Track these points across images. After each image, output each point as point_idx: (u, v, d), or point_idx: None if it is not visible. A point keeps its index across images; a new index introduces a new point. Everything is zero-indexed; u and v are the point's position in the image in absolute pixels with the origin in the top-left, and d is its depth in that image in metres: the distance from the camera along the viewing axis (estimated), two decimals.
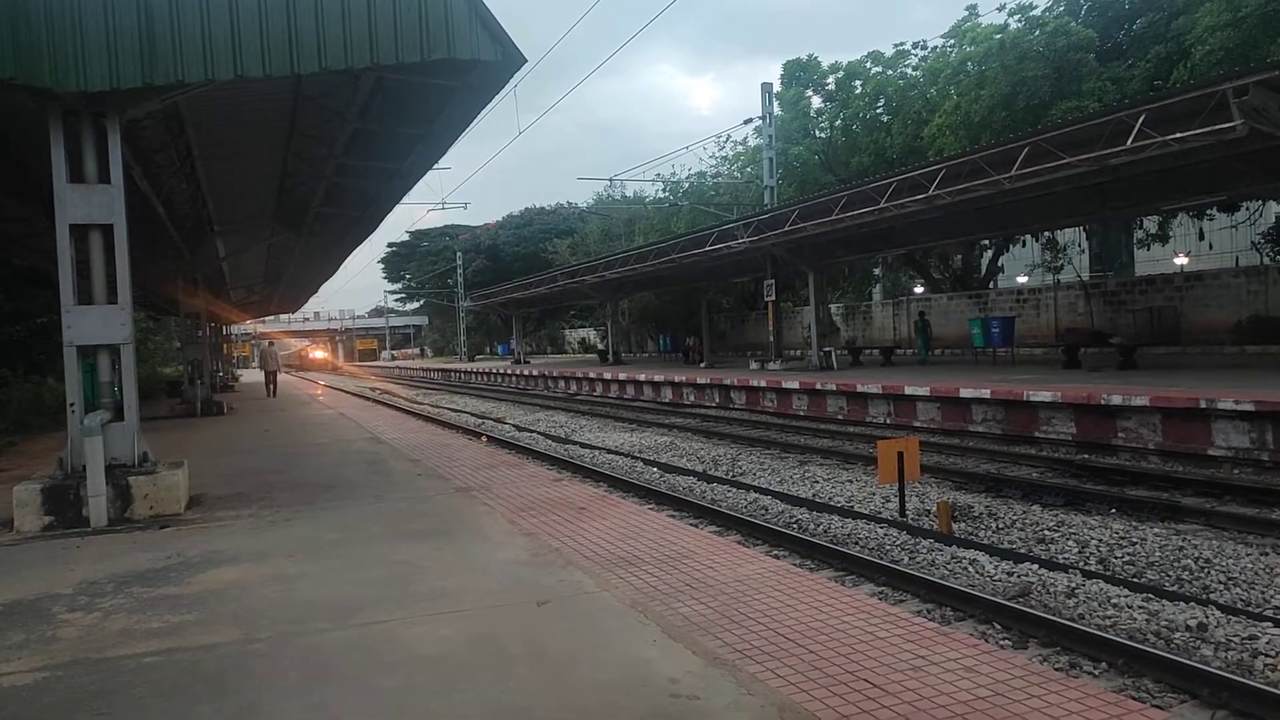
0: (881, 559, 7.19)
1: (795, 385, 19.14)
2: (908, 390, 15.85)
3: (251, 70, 6.78)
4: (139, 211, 12.00)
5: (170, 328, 38.66)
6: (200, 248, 18.48)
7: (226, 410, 19.72)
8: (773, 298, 25.15)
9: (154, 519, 7.11)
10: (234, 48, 6.68)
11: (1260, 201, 23.67)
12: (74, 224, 7.11)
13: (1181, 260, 32.21)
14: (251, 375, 49.04)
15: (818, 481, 11.02)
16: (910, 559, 7.34)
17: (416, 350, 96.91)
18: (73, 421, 7.09)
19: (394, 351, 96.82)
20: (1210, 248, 30.12)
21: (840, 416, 17.63)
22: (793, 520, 8.96)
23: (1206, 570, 6.66)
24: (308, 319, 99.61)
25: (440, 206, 50.01)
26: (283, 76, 7.21)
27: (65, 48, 6.44)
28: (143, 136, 10.14)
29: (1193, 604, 5.75)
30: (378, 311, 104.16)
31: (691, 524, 8.27)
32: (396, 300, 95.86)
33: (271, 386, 28.55)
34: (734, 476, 11.68)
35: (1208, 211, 23.87)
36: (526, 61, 7.59)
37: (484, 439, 16.51)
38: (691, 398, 23.74)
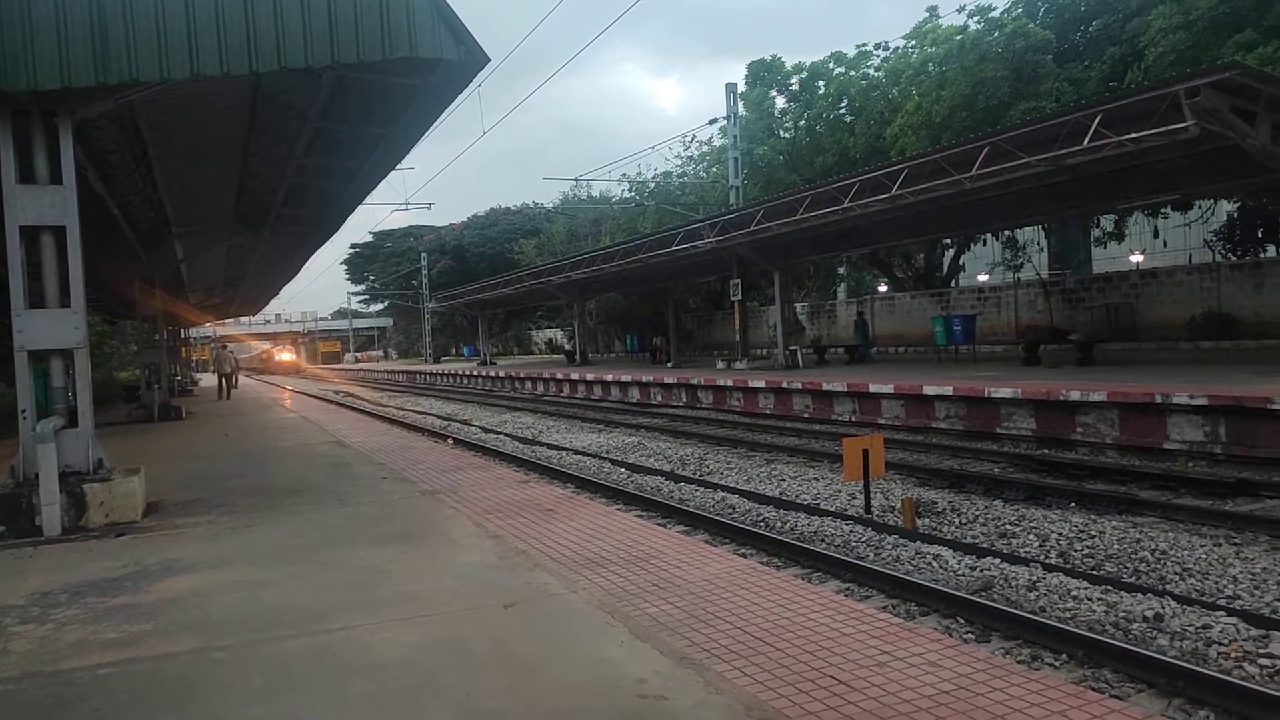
0: (847, 556, 7.25)
1: (761, 384, 19.25)
2: (872, 388, 16.01)
3: (208, 69, 6.65)
4: (93, 213, 11.75)
5: (127, 331, 37.92)
6: (157, 250, 18.12)
7: (185, 415, 19.37)
8: (739, 297, 25.27)
9: (110, 527, 6.96)
10: (190, 46, 6.55)
11: (1212, 200, 24.23)
12: (24, 225, 6.93)
13: (1137, 258, 32.90)
14: (212, 379, 48.22)
15: (784, 479, 11.08)
16: (876, 555, 7.41)
17: (380, 352, 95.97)
18: (24, 428, 6.91)
19: (358, 354, 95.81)
20: (1165, 245, 30.83)
21: (806, 415, 17.75)
22: (760, 519, 9.00)
23: (1163, 562, 6.80)
24: (269, 321, 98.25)
25: (404, 207, 49.44)
26: (241, 75, 7.09)
27: (14, 45, 6.28)
28: (96, 136, 9.91)
29: (1150, 595, 5.87)
30: (341, 313, 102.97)
31: (659, 524, 8.28)
32: (360, 302, 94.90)
33: (224, 389, 28.34)
34: (701, 476, 11.71)
35: (1162, 210, 24.40)
36: (490, 61, 7.54)
37: (450, 441, 16.39)
38: (659, 398, 23.77)
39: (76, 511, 6.98)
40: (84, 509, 7.01)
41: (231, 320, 68.48)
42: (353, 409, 24.90)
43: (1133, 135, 11.85)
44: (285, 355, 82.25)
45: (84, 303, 7.28)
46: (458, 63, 7.38)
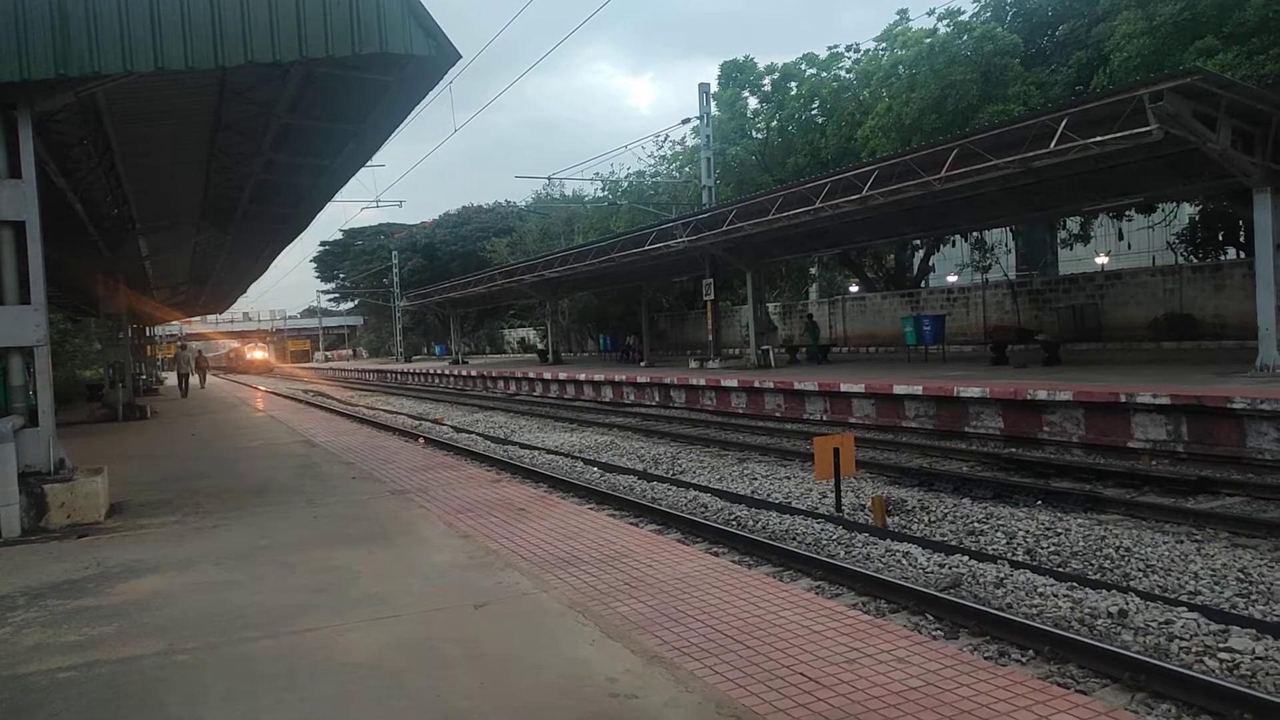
0: (818, 554, 7.28)
1: (734, 383, 19.30)
2: (843, 388, 16.12)
3: (173, 62, 6.54)
4: (54, 208, 11.53)
5: (90, 329, 37.29)
6: (121, 246, 17.81)
7: (150, 414, 19.07)
8: (711, 297, 25.35)
9: (71, 528, 6.82)
10: (154, 38, 6.44)
11: (1175, 203, 24.69)
12: None
13: (1102, 260, 33.44)
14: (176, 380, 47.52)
15: (756, 478, 11.13)
16: (846, 553, 7.46)
17: (349, 351, 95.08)
18: None
19: (329, 353, 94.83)
20: (1129, 248, 31.37)
21: (778, 414, 17.83)
22: (732, 517, 9.03)
23: (1126, 559, 6.91)
24: (236, 319, 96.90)
25: (375, 205, 49.05)
26: (206, 69, 6.98)
27: None
28: (57, 130, 9.72)
29: (1114, 591, 5.96)
30: (310, 312, 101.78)
31: (631, 523, 8.28)
32: (330, 300, 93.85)
33: (184, 387, 30.37)
34: (674, 475, 11.72)
35: (1126, 213, 24.83)
36: (461, 57, 7.50)
37: (421, 440, 16.27)
38: (632, 397, 23.76)
39: (36, 512, 6.84)
40: (44, 510, 6.87)
41: (198, 318, 67.45)
42: (322, 408, 24.63)
43: (1098, 138, 12.04)
44: (258, 353, 75.59)
45: (45, 300, 7.14)
46: (429, 59, 7.33)
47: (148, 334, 41.17)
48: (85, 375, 33.51)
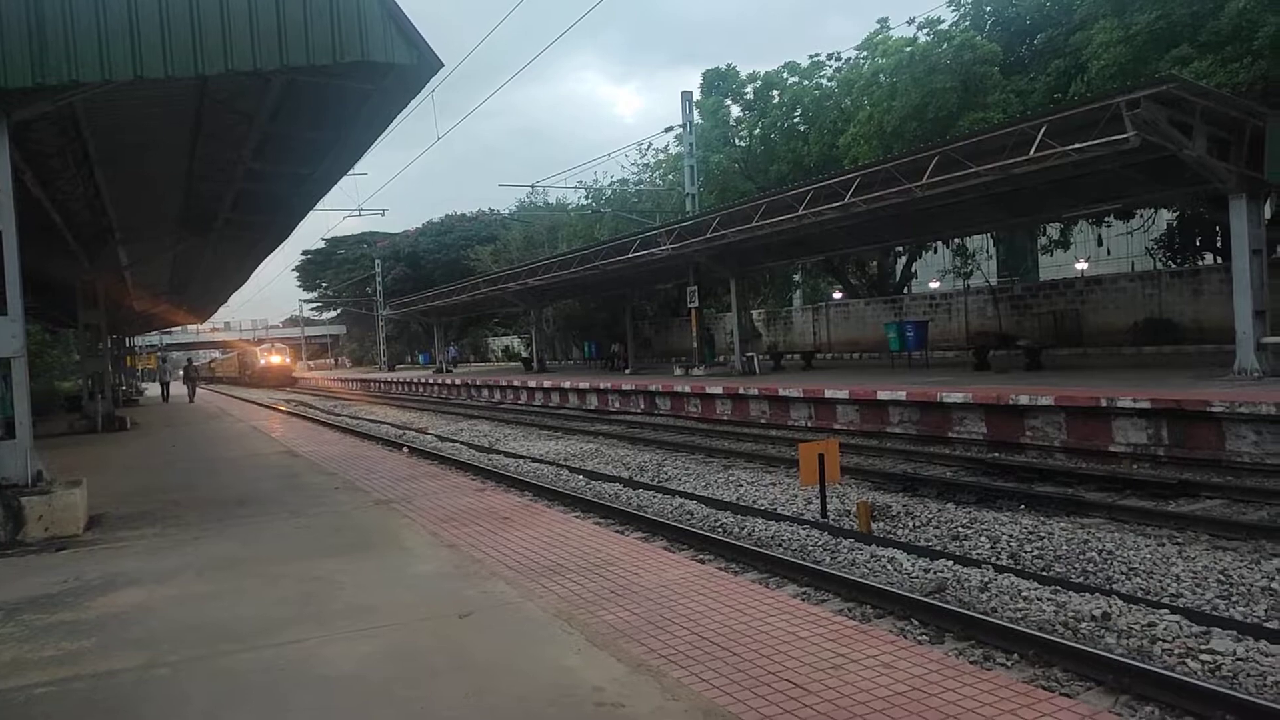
0: (804, 560, 7.29)
1: (719, 390, 19.32)
2: (828, 393, 16.16)
3: (152, 71, 6.50)
4: (32, 218, 11.42)
5: (69, 340, 37.06)
6: (100, 256, 17.66)
7: (130, 425, 18.87)
8: (696, 304, 25.39)
9: (50, 541, 6.74)
10: (133, 47, 6.39)
11: (1153, 209, 24.97)
12: None
13: (1082, 265, 33.74)
14: (157, 390, 47.10)
15: (742, 485, 11.13)
16: (832, 559, 7.47)
17: (331, 361, 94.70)
18: None
19: (310, 362, 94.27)
20: (1108, 253, 31.62)
21: (763, 420, 17.86)
22: (717, 524, 9.02)
23: (1109, 562, 6.95)
24: (217, 329, 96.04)
25: (357, 213, 48.43)
26: (186, 78, 6.94)
27: None
28: (35, 139, 9.64)
29: (1097, 594, 5.99)
30: (293, 321, 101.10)
31: (617, 531, 8.24)
32: (313, 310, 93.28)
33: (166, 391, 35.84)
34: (660, 482, 11.71)
35: (1105, 219, 25.06)
36: (443, 66, 7.49)
37: (405, 450, 16.18)
38: (617, 404, 23.74)
39: (13, 525, 6.75)
40: (21, 523, 6.78)
41: (178, 328, 66.75)
42: (304, 418, 24.48)
43: (1076, 145, 12.17)
44: (274, 358, 62.66)
45: (22, 310, 7.06)
46: (411, 67, 7.32)
47: (128, 344, 40.90)
48: (64, 387, 33.16)
